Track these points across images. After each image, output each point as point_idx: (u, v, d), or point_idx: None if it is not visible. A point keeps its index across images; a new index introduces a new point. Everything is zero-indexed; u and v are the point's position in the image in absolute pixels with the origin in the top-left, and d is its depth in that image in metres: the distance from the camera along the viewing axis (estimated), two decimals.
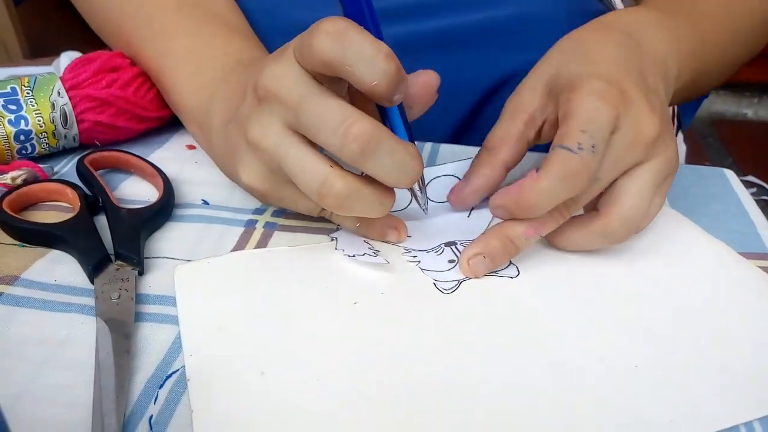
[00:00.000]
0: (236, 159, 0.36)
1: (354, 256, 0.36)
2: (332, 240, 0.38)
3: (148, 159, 0.44)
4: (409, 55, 0.53)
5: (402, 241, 0.38)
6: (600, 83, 0.33)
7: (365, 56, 0.30)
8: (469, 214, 0.40)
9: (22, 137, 0.43)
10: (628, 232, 0.35)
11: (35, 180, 0.42)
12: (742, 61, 0.51)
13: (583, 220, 0.36)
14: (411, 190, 0.37)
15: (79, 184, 0.41)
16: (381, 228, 0.38)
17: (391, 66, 0.30)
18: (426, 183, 0.41)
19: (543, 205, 0.33)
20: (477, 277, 0.36)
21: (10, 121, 0.43)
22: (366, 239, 0.38)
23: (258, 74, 0.33)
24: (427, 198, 0.38)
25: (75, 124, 0.44)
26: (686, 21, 0.43)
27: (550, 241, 0.37)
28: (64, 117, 0.44)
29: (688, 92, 0.47)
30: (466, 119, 0.55)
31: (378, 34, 0.33)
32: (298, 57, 0.32)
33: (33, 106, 0.43)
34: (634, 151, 0.34)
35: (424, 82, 0.35)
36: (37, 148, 0.44)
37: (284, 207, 0.37)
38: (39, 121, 0.43)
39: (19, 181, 0.41)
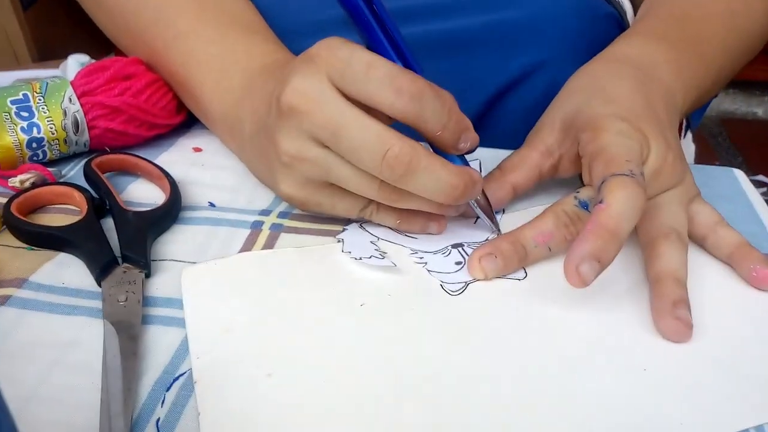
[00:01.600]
0: (273, 171, 0.37)
1: (361, 258, 0.36)
2: (338, 242, 0.38)
3: (155, 162, 0.44)
4: (418, 56, 0.53)
5: (442, 231, 0.38)
6: (623, 123, 0.35)
7: (437, 113, 0.32)
8: (476, 220, 0.40)
9: (34, 145, 0.43)
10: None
11: (43, 183, 0.42)
12: (745, 62, 0.52)
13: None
14: (476, 209, 0.37)
15: (87, 187, 0.41)
16: (423, 221, 0.38)
17: (453, 118, 0.33)
18: None
19: (624, 227, 0.32)
20: (486, 278, 0.35)
21: (22, 129, 0.43)
22: (372, 241, 0.38)
23: (282, 87, 0.34)
24: (496, 220, 0.38)
25: (86, 130, 0.45)
26: (690, 50, 0.44)
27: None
28: (76, 124, 0.44)
29: (691, 109, 0.48)
30: (475, 121, 0.55)
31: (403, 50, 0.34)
32: (339, 82, 0.32)
33: (45, 113, 0.43)
34: (657, 183, 0.36)
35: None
36: (48, 155, 0.44)
37: (323, 211, 0.38)
38: (51, 128, 0.43)
39: (27, 184, 0.41)
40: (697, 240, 0.38)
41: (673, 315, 0.32)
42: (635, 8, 0.58)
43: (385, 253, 0.37)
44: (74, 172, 0.45)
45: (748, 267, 0.36)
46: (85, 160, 0.43)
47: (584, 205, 0.36)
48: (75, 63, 0.58)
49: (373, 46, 0.33)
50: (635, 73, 0.40)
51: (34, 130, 0.43)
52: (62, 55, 0.60)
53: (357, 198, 0.36)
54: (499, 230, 0.38)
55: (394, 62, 0.32)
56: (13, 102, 0.43)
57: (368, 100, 0.32)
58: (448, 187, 0.33)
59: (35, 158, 0.44)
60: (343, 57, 0.32)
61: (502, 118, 0.54)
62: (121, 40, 0.52)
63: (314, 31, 0.53)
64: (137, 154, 0.45)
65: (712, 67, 0.46)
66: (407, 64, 0.34)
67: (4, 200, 0.40)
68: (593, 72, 0.41)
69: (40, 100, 0.43)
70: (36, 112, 0.43)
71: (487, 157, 0.43)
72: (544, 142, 0.39)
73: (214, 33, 0.45)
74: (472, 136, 0.34)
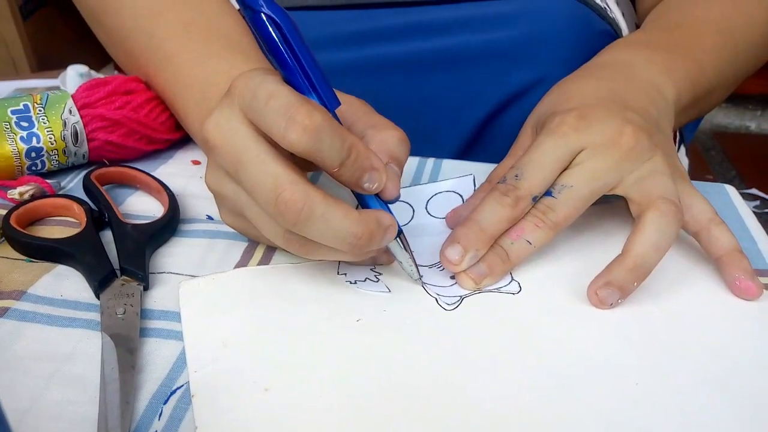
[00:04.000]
0: None
1: (356, 282, 0.36)
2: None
3: (154, 174, 0.44)
4: (419, 72, 0.54)
5: (390, 263, 0.37)
6: (558, 117, 0.37)
7: (335, 149, 0.30)
8: None
9: (33, 154, 0.44)
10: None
11: (42, 195, 0.42)
12: (746, 74, 0.52)
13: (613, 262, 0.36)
14: (395, 256, 0.36)
15: (86, 199, 0.42)
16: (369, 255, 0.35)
17: (356, 160, 0.31)
18: (426, 203, 0.41)
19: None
20: (477, 286, 0.36)
21: (22, 138, 0.43)
22: None
23: (204, 121, 0.33)
24: (416, 264, 0.36)
25: (85, 142, 0.45)
26: (680, 52, 0.45)
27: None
28: (75, 135, 0.44)
29: (693, 111, 0.48)
30: (472, 136, 0.56)
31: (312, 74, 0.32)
32: (248, 113, 0.31)
33: (45, 123, 0.44)
34: (612, 162, 0.36)
35: (389, 152, 0.34)
36: (47, 165, 0.45)
37: (257, 240, 0.38)
38: (50, 138, 0.44)
39: (26, 196, 0.41)
40: (690, 233, 0.38)
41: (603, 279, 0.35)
42: (638, 24, 0.59)
43: (380, 273, 0.37)
44: (73, 184, 0.45)
45: (733, 275, 0.36)
46: (85, 172, 0.43)
47: (549, 193, 0.36)
48: (74, 73, 0.58)
49: (287, 78, 0.31)
50: (608, 74, 0.42)
51: (34, 139, 0.43)
52: (61, 66, 0.61)
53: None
54: (420, 276, 0.36)
55: (304, 95, 0.31)
56: (13, 112, 0.44)
57: (267, 131, 0.30)
58: (349, 236, 0.31)
59: (34, 168, 0.44)
60: (252, 88, 0.31)
61: (501, 132, 0.55)
62: (120, 59, 0.53)
63: (329, 44, 0.54)
64: (136, 166, 0.45)
65: (708, 69, 0.46)
66: (321, 98, 0.32)
67: (3, 212, 0.40)
68: (566, 80, 0.43)
69: (40, 110, 0.44)
70: (36, 123, 0.44)
71: (484, 172, 0.44)
72: (523, 148, 0.40)
73: (198, 55, 0.45)
74: (378, 177, 0.32)
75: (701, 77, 0.46)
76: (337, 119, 0.32)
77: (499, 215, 0.36)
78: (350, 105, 0.36)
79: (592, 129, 0.36)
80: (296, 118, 0.29)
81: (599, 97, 0.39)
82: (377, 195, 0.33)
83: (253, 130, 0.31)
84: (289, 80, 0.32)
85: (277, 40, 0.31)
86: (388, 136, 0.34)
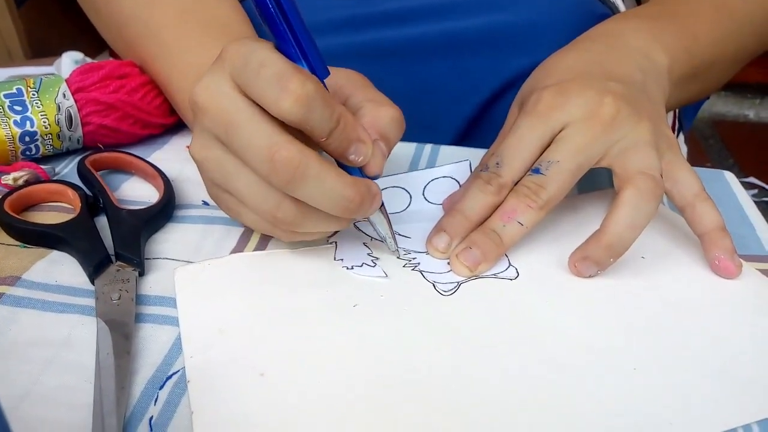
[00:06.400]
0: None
1: (352, 267, 0.36)
2: (331, 244, 0.38)
3: (149, 160, 0.44)
4: (416, 57, 0.54)
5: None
6: (534, 95, 0.37)
7: (324, 119, 0.30)
8: None
9: (27, 138, 0.43)
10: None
11: (37, 181, 0.42)
12: (752, 53, 0.52)
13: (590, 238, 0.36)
14: (374, 227, 0.35)
15: (80, 185, 0.41)
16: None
17: (344, 130, 0.31)
18: (423, 189, 0.41)
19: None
20: (472, 272, 0.36)
21: (15, 122, 0.43)
22: (366, 242, 0.38)
23: (194, 86, 0.33)
24: (395, 239, 0.36)
25: (80, 126, 0.45)
26: (672, 21, 0.45)
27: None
28: (69, 119, 0.44)
29: (695, 85, 0.48)
30: (471, 122, 0.55)
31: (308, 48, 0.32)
32: (237, 80, 0.31)
33: (38, 107, 0.43)
34: (594, 133, 0.36)
35: (378, 127, 0.34)
36: (41, 150, 0.44)
37: (235, 218, 0.36)
38: (44, 122, 0.43)
39: (20, 182, 0.41)
40: (677, 209, 0.38)
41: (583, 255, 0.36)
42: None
43: (377, 258, 0.37)
44: (68, 170, 0.45)
45: (714, 254, 0.36)
46: (79, 157, 0.43)
47: (536, 171, 0.36)
48: (69, 60, 0.58)
49: (280, 46, 0.31)
50: (594, 45, 0.42)
51: (27, 123, 0.43)
52: (56, 53, 0.60)
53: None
54: (398, 249, 0.36)
55: (294, 63, 0.30)
56: (6, 96, 0.43)
57: (258, 99, 0.30)
58: (341, 198, 0.31)
59: (28, 153, 0.44)
60: (243, 54, 0.30)
61: (499, 118, 0.54)
62: (117, 47, 0.53)
63: (326, 29, 0.53)
64: (131, 152, 0.45)
65: (702, 38, 0.46)
66: (311, 67, 0.32)
67: None
68: (554, 54, 0.43)
69: (33, 95, 0.43)
70: (29, 106, 0.43)
71: (480, 157, 0.43)
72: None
73: (194, 43, 0.45)
74: (365, 150, 0.32)
75: (695, 46, 0.45)
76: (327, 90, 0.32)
77: (482, 203, 0.37)
78: (348, 78, 0.36)
79: (570, 104, 0.36)
80: (288, 86, 0.29)
81: (578, 70, 0.39)
82: (361, 170, 0.33)
83: (244, 96, 0.31)
84: (281, 48, 0.31)
85: (270, 4, 0.30)
86: (382, 113, 0.34)
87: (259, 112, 0.31)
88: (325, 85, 0.32)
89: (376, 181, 0.34)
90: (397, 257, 0.37)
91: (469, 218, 0.37)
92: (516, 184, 0.37)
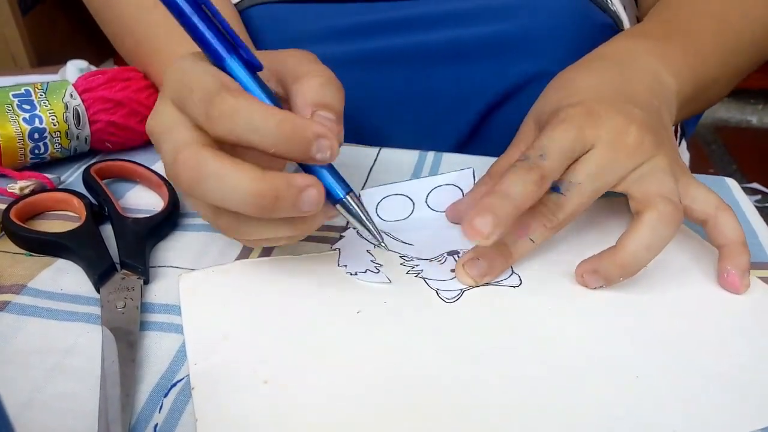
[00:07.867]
0: None
1: (356, 273, 0.36)
2: (335, 250, 0.38)
3: (154, 168, 0.44)
4: (418, 65, 0.54)
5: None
6: (565, 111, 0.36)
7: (261, 129, 0.29)
8: None
9: (36, 135, 0.44)
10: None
11: (42, 189, 0.42)
12: (751, 67, 0.52)
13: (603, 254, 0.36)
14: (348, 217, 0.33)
15: (85, 193, 0.41)
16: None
17: (292, 134, 0.29)
18: (426, 197, 0.41)
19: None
20: (475, 283, 0.36)
21: (24, 119, 0.43)
22: (369, 250, 0.38)
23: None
24: (377, 231, 0.33)
25: (88, 124, 0.45)
26: (679, 42, 0.45)
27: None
28: (77, 117, 0.44)
29: (696, 104, 0.48)
30: (472, 129, 0.56)
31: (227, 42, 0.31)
32: (177, 104, 0.31)
33: (46, 106, 0.44)
34: (617, 160, 0.36)
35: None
36: (50, 149, 0.45)
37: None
38: (53, 120, 0.44)
39: (26, 191, 0.41)
40: (698, 224, 0.38)
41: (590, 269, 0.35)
42: (639, 18, 0.59)
43: (381, 264, 0.37)
44: (73, 178, 0.45)
45: (726, 267, 0.36)
46: (84, 166, 0.43)
47: (556, 189, 0.36)
48: (74, 68, 0.58)
49: (203, 48, 0.31)
50: (608, 65, 0.42)
51: (36, 120, 0.44)
52: (61, 61, 0.61)
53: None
54: (381, 239, 0.34)
55: (223, 62, 0.30)
56: (15, 95, 0.44)
57: (194, 122, 0.30)
58: (248, 195, 0.28)
59: (37, 151, 0.44)
60: (177, 80, 0.31)
61: (501, 126, 0.55)
62: (122, 53, 0.54)
63: (330, 37, 0.54)
64: (136, 161, 0.45)
65: (708, 59, 0.46)
66: (242, 59, 0.31)
67: (3, 206, 0.40)
68: (568, 72, 0.42)
69: (41, 95, 0.44)
70: (38, 105, 0.44)
71: (484, 165, 0.44)
72: (524, 142, 0.40)
73: (184, 50, 0.45)
74: (328, 144, 0.29)
75: (701, 66, 0.45)
76: (262, 82, 0.31)
77: (527, 190, 0.34)
78: (284, 64, 0.33)
79: (600, 126, 0.36)
80: (211, 112, 0.29)
81: (603, 92, 0.39)
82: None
83: (185, 117, 0.31)
84: (207, 51, 0.31)
85: (182, 14, 0.30)
86: (307, 86, 0.31)
87: (188, 127, 0.31)
88: (259, 78, 0.31)
89: (378, 187, 0.32)
90: (384, 249, 0.36)
91: (517, 205, 0.33)
92: (552, 184, 0.35)
